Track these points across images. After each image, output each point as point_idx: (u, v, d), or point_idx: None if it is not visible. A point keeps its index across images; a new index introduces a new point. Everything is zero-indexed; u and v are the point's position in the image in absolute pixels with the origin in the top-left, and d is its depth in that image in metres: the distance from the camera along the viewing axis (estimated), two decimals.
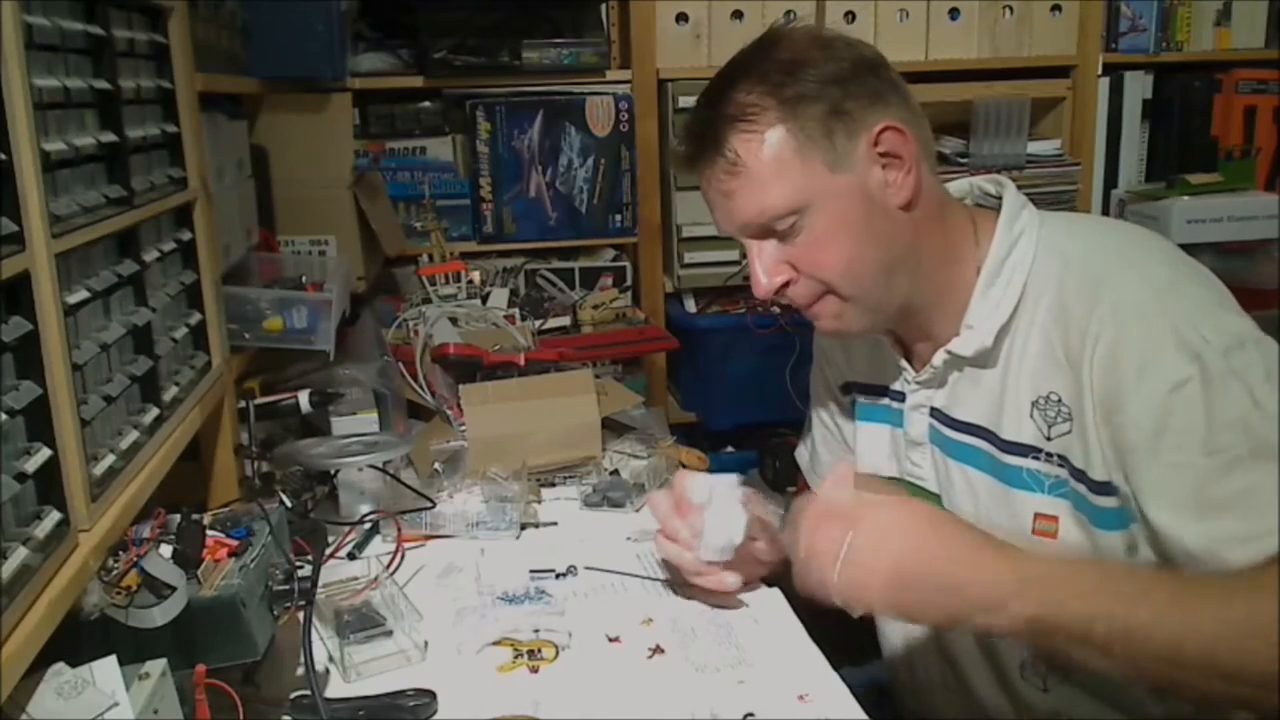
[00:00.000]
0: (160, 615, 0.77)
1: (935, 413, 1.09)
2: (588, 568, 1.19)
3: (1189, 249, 1.00)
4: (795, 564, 0.90)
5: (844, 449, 1.25)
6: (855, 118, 0.97)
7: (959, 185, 1.10)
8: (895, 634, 1.20)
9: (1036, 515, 0.99)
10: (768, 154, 0.97)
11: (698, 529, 1.03)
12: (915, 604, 0.86)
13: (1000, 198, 1.05)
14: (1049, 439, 0.97)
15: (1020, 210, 1.03)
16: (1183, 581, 0.84)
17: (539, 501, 1.39)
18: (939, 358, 1.05)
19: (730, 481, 1.04)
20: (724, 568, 1.05)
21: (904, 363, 1.11)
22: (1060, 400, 0.96)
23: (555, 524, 1.33)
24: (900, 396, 1.13)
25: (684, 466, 1.48)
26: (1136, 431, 0.88)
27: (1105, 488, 0.93)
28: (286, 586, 0.87)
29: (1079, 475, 0.95)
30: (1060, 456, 0.97)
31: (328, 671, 0.98)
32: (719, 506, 1.03)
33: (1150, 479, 0.88)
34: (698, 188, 1.05)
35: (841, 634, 1.10)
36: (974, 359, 1.02)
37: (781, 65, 0.98)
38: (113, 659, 0.72)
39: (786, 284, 1.02)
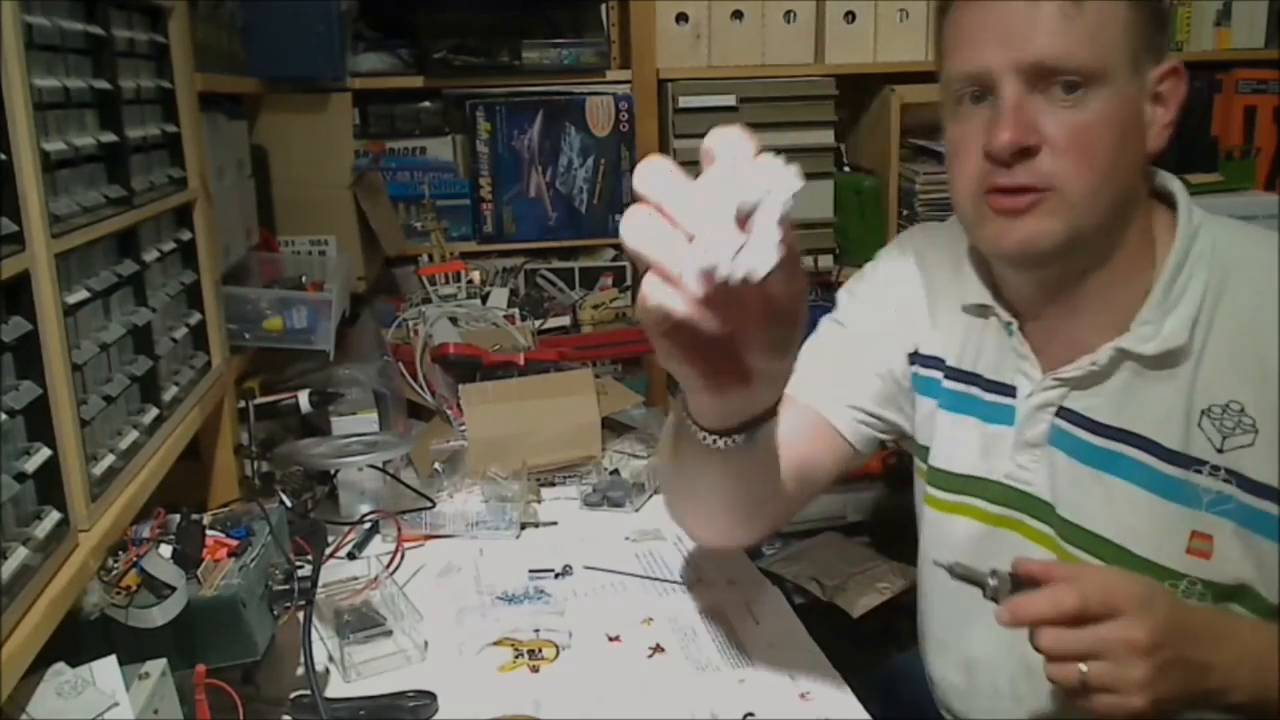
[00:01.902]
0: (160, 615, 0.77)
1: (1068, 414, 0.97)
2: (587, 567, 1.19)
3: None
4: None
5: (858, 389, 1.09)
6: (1158, 41, 0.91)
7: None
8: (961, 634, 1.08)
9: (1193, 534, 0.91)
10: (1109, 5, 0.88)
11: (719, 232, 0.57)
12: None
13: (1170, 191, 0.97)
14: (1220, 451, 0.90)
15: (1191, 204, 0.96)
16: None
17: (539, 501, 1.39)
18: (1104, 355, 0.93)
19: (792, 182, 0.57)
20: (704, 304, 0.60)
21: (1030, 354, 0.99)
22: (1243, 410, 0.89)
23: (555, 524, 1.33)
24: (1007, 390, 1.01)
25: None
26: None
27: None
28: (286, 586, 0.87)
29: (1258, 490, 0.89)
30: (1229, 471, 0.90)
31: (328, 671, 0.98)
32: (769, 213, 0.57)
33: None
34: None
35: (843, 633, 1.10)
36: (1154, 359, 0.92)
37: None
38: (113, 659, 0.72)
39: (1026, 152, 0.88)
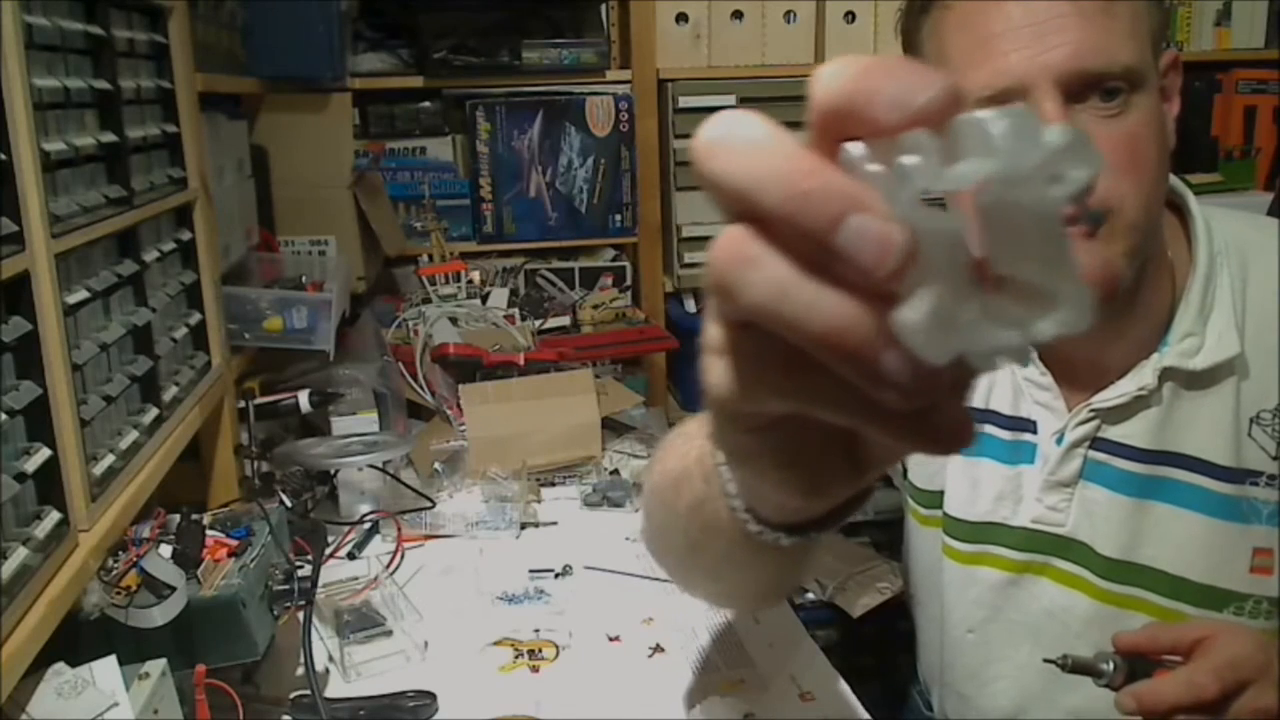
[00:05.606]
0: (160, 615, 0.77)
1: (1103, 444, 0.90)
2: (587, 567, 1.19)
3: None
4: None
5: None
6: (1163, 30, 0.85)
7: None
8: (986, 689, 1.00)
9: (1255, 551, 0.87)
10: (1134, 3, 0.81)
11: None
12: None
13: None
14: (1276, 458, 0.86)
15: (1193, 197, 0.91)
16: None
17: (539, 501, 1.39)
18: (1146, 377, 0.87)
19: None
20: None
21: (1051, 385, 0.92)
22: None
23: (555, 524, 1.33)
24: (1026, 426, 0.94)
25: None
26: None
27: None
28: (286, 586, 0.87)
29: None
30: None
31: (328, 671, 0.98)
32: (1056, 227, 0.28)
33: None
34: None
35: (843, 633, 1.09)
36: (1202, 374, 0.86)
37: None
38: (113, 659, 0.72)
39: None
